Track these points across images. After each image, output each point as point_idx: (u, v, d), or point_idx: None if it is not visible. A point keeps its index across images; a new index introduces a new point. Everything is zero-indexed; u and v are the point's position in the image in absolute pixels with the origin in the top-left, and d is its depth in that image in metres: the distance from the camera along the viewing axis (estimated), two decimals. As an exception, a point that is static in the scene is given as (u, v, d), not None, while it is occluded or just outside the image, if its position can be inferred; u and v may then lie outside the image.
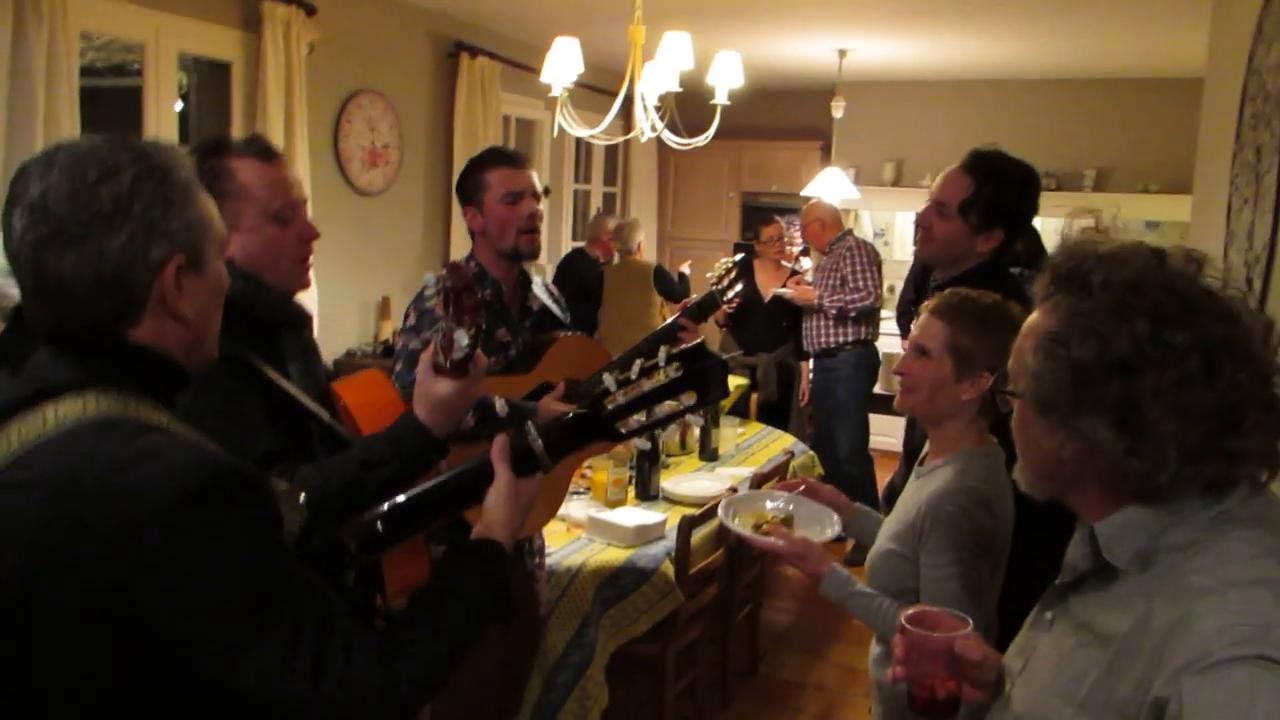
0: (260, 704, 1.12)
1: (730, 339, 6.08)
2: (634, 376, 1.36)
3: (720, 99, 4.38)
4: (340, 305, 5.36)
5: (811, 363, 5.95)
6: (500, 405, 2.36)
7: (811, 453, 5.03)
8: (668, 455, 4.27)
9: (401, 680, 1.16)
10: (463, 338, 1.53)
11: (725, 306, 3.00)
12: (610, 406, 1.37)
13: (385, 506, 1.42)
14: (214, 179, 1.67)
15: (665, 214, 8.94)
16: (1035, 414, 1.17)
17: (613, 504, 3.64)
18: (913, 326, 2.02)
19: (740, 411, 5.37)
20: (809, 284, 5.82)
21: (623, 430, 1.38)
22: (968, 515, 1.84)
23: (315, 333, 1.97)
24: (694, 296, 2.87)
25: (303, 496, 1.32)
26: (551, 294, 2.91)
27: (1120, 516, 1.13)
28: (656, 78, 4.17)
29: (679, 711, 3.60)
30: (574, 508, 3.57)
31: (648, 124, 4.27)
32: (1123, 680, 1.05)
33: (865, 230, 8.30)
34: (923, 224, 2.43)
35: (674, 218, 8.95)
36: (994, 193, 2.33)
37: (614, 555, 3.28)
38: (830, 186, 6.71)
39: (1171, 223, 7.19)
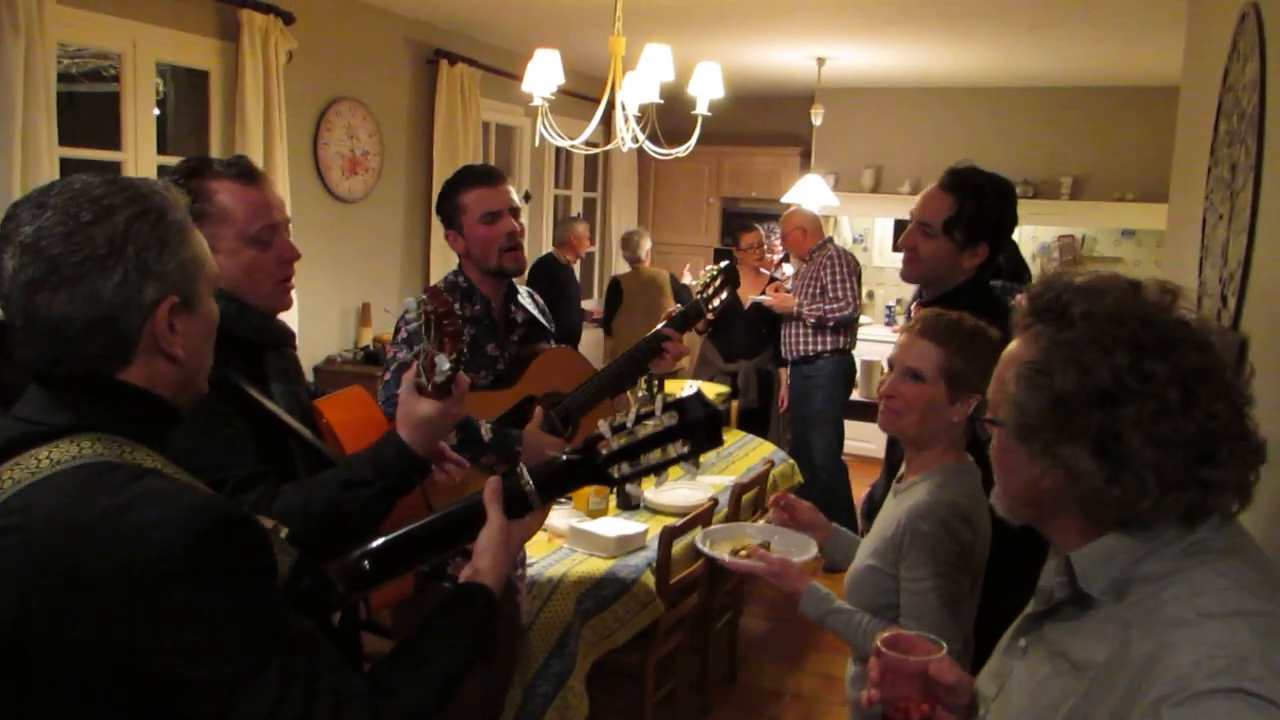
0: None
1: (710, 345, 6.10)
2: (629, 423, 1.37)
3: (701, 109, 4.39)
4: (320, 312, 5.34)
5: (789, 370, 5.98)
6: (485, 430, 2.36)
7: (791, 461, 5.04)
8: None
9: None
10: (444, 362, 1.55)
11: (708, 314, 3.00)
12: (604, 452, 1.37)
13: (375, 544, 1.41)
14: (193, 200, 1.66)
15: (646, 219, 8.95)
16: (1016, 441, 1.18)
17: (594, 514, 3.65)
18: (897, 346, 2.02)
19: (721, 419, 5.37)
20: (788, 291, 5.84)
21: (615, 475, 1.38)
22: (947, 528, 1.85)
23: (297, 346, 1.97)
24: (677, 306, 2.88)
25: (285, 532, 1.32)
26: (536, 303, 2.92)
27: (1097, 545, 1.14)
28: (637, 89, 4.17)
29: (658, 719, 3.61)
30: (555, 517, 3.55)
31: (628, 134, 4.27)
32: (1099, 710, 1.06)
33: (845, 236, 8.33)
34: (908, 245, 2.44)
35: (655, 223, 8.97)
36: (976, 209, 2.35)
37: (595, 566, 3.29)
38: (810, 193, 6.74)
39: (1147, 231, 7.26)
